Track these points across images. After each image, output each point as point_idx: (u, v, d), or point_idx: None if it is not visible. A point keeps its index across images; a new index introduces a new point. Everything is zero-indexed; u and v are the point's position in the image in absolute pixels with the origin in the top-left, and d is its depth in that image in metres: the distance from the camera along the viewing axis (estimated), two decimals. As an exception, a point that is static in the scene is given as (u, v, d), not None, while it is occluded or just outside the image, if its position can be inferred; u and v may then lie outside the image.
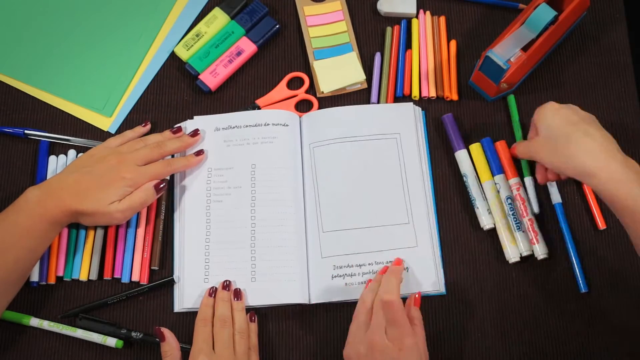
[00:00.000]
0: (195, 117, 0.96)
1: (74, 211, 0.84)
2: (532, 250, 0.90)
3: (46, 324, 0.87)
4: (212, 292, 0.87)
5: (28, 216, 0.83)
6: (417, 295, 0.85)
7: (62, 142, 0.96)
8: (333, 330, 0.89)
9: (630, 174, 0.79)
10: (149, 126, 0.95)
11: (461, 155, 0.94)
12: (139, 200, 0.87)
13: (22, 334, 0.88)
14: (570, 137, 0.82)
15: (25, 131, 0.95)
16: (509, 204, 0.91)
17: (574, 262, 0.89)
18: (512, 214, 0.90)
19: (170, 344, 0.83)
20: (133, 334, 0.87)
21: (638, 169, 0.80)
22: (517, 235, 0.90)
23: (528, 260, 0.91)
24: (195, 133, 0.93)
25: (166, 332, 0.84)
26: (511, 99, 0.96)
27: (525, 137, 0.93)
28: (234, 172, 0.93)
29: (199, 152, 0.93)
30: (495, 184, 0.92)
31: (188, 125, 0.96)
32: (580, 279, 0.89)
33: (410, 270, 0.89)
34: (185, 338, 0.87)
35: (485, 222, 0.90)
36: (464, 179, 0.93)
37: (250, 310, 0.88)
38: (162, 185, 0.89)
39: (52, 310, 0.89)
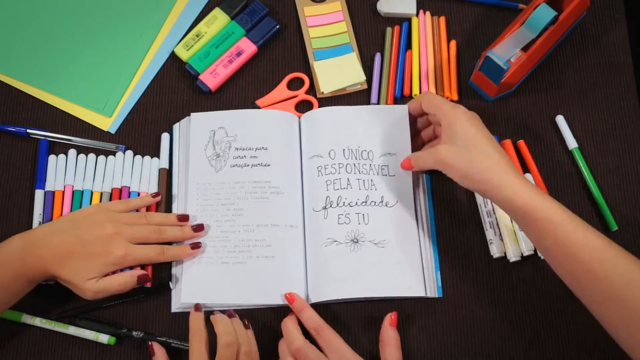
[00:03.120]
0: (192, 113, 0.96)
1: (51, 274, 0.82)
2: (534, 250, 0.90)
3: (38, 321, 0.87)
4: (199, 308, 0.85)
5: (6, 272, 0.80)
6: (392, 316, 0.85)
7: (64, 142, 0.96)
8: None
9: (529, 186, 0.80)
10: (159, 198, 0.92)
11: None
12: (116, 285, 0.84)
13: (15, 331, 0.88)
14: (485, 149, 0.81)
15: (28, 130, 0.96)
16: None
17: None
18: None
19: None
20: (134, 333, 0.87)
21: (528, 184, 0.80)
22: (520, 235, 0.90)
23: (529, 260, 0.90)
24: (199, 228, 0.90)
25: (156, 347, 0.84)
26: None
27: (599, 188, 0.93)
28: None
29: (196, 245, 0.89)
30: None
31: (182, 123, 0.96)
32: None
33: (405, 271, 0.88)
34: (184, 337, 0.87)
35: (496, 250, 0.90)
36: (479, 209, 0.92)
37: (243, 318, 0.87)
38: (144, 279, 0.86)
39: (51, 310, 0.89)
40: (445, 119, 0.84)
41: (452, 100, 0.98)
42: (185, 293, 0.88)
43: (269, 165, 0.93)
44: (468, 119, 0.83)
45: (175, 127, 0.97)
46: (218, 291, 0.88)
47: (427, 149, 0.88)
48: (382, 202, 0.91)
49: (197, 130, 0.95)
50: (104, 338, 0.86)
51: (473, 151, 0.81)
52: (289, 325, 0.84)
